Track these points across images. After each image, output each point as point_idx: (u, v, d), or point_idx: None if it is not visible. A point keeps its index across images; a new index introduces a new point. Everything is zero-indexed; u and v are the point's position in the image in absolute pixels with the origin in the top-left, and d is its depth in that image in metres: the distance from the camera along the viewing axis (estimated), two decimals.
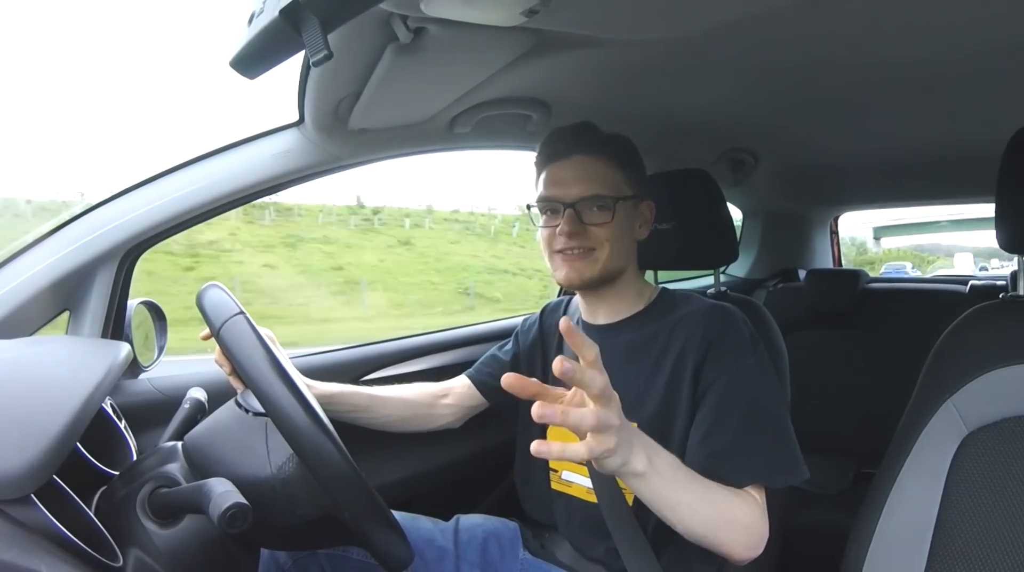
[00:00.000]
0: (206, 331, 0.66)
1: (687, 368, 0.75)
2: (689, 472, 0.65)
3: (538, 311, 1.01)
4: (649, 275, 1.13)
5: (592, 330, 0.87)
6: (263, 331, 0.80)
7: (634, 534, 0.76)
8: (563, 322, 0.49)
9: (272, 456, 0.61)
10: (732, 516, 0.66)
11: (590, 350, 0.50)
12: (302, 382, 0.66)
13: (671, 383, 0.76)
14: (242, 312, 0.61)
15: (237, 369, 0.58)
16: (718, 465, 0.69)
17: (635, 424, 0.76)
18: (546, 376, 0.92)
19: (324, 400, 0.86)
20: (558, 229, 0.78)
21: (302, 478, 0.60)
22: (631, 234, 0.82)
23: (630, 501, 0.77)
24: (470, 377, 1.00)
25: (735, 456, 0.70)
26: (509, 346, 1.01)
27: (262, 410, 0.59)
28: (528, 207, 0.84)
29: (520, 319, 1.07)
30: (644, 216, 0.84)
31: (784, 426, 0.73)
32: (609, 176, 0.79)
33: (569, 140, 0.80)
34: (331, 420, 0.69)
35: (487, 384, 0.98)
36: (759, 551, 0.67)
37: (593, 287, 0.83)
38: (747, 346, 0.75)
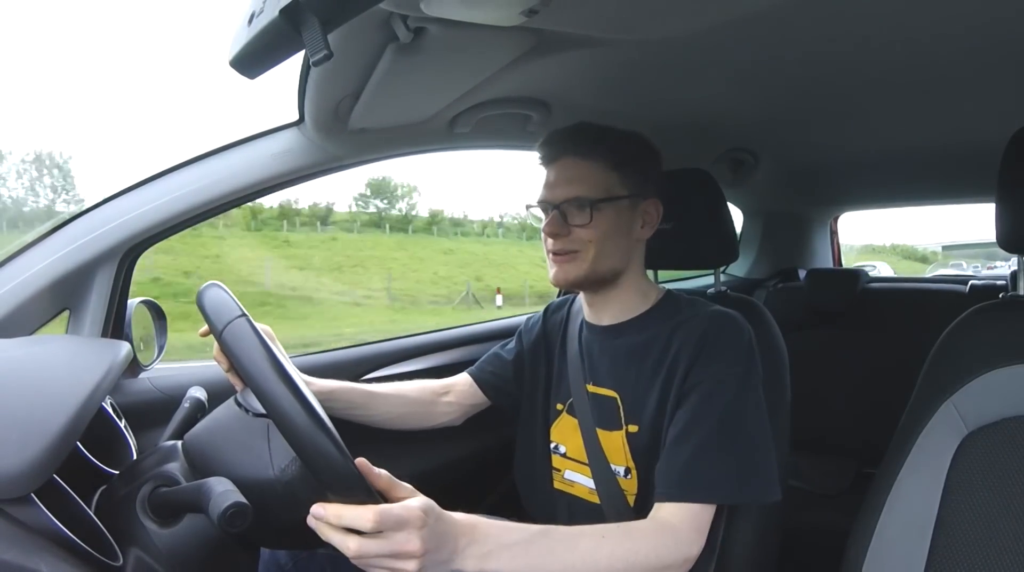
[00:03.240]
0: (205, 328, 0.66)
1: (679, 369, 0.75)
2: (548, 545, 0.61)
3: (541, 310, 1.01)
4: (649, 275, 1.13)
5: (595, 331, 0.87)
6: (262, 328, 0.80)
7: None
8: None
9: (274, 458, 0.61)
10: (627, 562, 0.62)
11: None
12: (304, 384, 0.66)
13: (665, 385, 0.76)
14: (244, 314, 0.61)
15: (240, 372, 0.57)
16: (675, 475, 0.69)
17: (636, 427, 0.77)
18: (549, 375, 0.92)
19: (322, 397, 0.86)
20: (543, 229, 0.80)
21: (305, 480, 0.60)
22: (626, 234, 0.81)
23: (631, 502, 0.77)
24: (472, 375, 1.00)
25: (696, 465, 0.69)
26: (512, 345, 1.00)
27: (263, 411, 0.59)
28: (528, 207, 0.85)
29: (522, 318, 1.07)
30: (648, 215, 0.83)
31: (756, 443, 0.71)
32: (596, 177, 0.78)
33: (558, 143, 0.81)
34: (329, 417, 0.69)
35: (489, 383, 0.98)
36: (689, 566, 0.67)
37: (586, 288, 0.84)
38: (740, 355, 0.75)
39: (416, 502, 0.53)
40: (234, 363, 0.58)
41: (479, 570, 0.56)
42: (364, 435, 0.92)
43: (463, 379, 1.01)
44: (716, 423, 0.70)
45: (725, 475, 0.69)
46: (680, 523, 0.67)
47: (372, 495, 0.60)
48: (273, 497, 0.60)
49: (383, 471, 0.55)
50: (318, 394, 0.84)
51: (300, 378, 0.70)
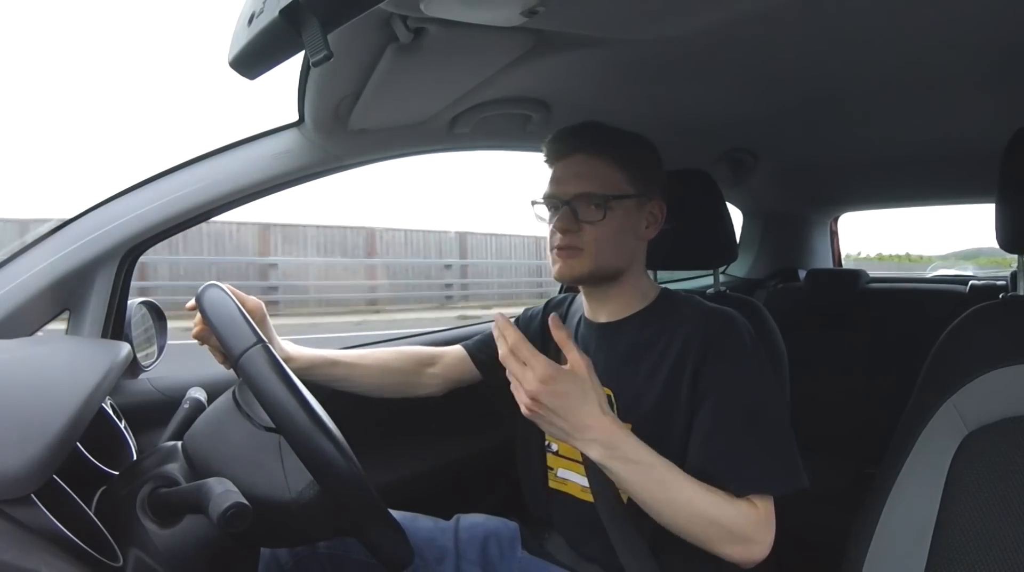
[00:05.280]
0: (191, 302, 0.68)
1: (685, 371, 0.75)
2: (664, 476, 0.66)
3: (541, 305, 1.01)
4: (648, 275, 1.13)
5: (592, 328, 0.87)
6: (253, 301, 0.80)
7: (630, 532, 0.76)
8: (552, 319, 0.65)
9: (290, 479, 0.61)
10: (712, 517, 0.66)
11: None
12: (319, 407, 0.66)
13: (669, 385, 0.76)
14: (261, 340, 0.60)
15: (264, 405, 0.57)
16: (717, 473, 0.69)
17: (630, 425, 0.77)
18: None
19: (303, 371, 0.85)
20: (553, 225, 0.80)
21: (323, 506, 0.60)
22: (632, 233, 0.82)
23: (625, 499, 0.77)
24: (468, 350, 1.00)
25: (733, 464, 0.70)
26: None
27: (271, 424, 0.59)
28: (533, 203, 0.85)
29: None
30: (652, 216, 0.84)
31: (783, 432, 0.72)
32: (608, 175, 0.79)
33: (571, 139, 0.81)
34: (309, 386, 0.70)
35: (484, 362, 0.99)
36: (758, 558, 0.67)
37: (589, 284, 0.84)
38: (747, 351, 0.75)
39: (549, 368, 0.62)
40: (255, 393, 0.58)
41: (600, 461, 0.64)
42: (366, 438, 0.92)
43: (454, 351, 1.00)
44: (740, 423, 0.71)
45: (759, 470, 0.70)
46: (762, 508, 0.69)
47: (389, 521, 0.62)
48: (289, 518, 0.61)
49: (563, 332, 0.65)
50: (299, 371, 0.83)
51: (315, 402, 0.71)
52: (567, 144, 0.81)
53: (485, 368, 0.99)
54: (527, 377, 0.62)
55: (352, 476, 0.57)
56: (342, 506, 0.58)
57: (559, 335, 0.65)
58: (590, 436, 0.63)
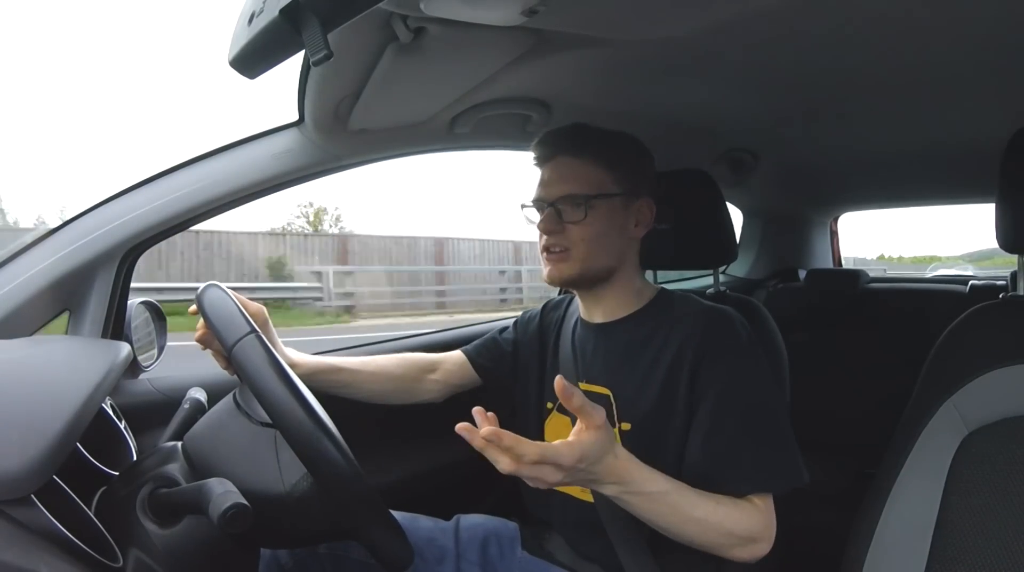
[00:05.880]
0: (194, 307, 0.68)
1: (683, 370, 0.75)
2: (676, 500, 0.65)
3: (539, 307, 1.01)
4: (649, 275, 1.13)
5: (589, 329, 0.87)
6: (255, 305, 0.81)
7: (629, 532, 0.76)
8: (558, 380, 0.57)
9: (284, 473, 0.61)
10: (725, 528, 0.66)
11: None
12: (316, 402, 0.66)
13: (667, 385, 0.76)
14: (253, 330, 0.61)
15: (254, 393, 0.57)
16: (717, 473, 0.70)
17: (629, 425, 0.77)
18: (541, 373, 0.93)
19: (306, 378, 0.85)
20: (539, 226, 0.82)
21: (316, 495, 0.60)
22: (619, 232, 0.82)
23: None
24: (468, 356, 1.00)
25: (734, 463, 0.70)
26: (510, 334, 1.01)
27: (268, 420, 0.59)
28: (522, 207, 0.86)
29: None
30: (641, 214, 0.84)
31: (782, 429, 0.73)
32: (591, 176, 0.80)
33: (553, 143, 0.82)
34: (313, 393, 0.70)
35: (485, 367, 0.99)
36: (763, 553, 0.68)
37: (580, 286, 0.85)
38: (744, 349, 0.76)
39: (575, 453, 0.57)
40: (245, 382, 0.58)
41: (614, 496, 0.63)
42: (365, 437, 0.92)
43: (455, 357, 1.00)
44: (739, 421, 0.71)
45: (760, 468, 0.70)
46: (764, 506, 0.70)
47: (389, 521, 0.61)
48: (284, 513, 0.61)
49: (578, 391, 0.58)
50: (303, 376, 0.83)
51: (308, 393, 0.70)
52: (550, 147, 0.83)
53: (485, 372, 0.99)
54: (550, 474, 0.57)
55: (346, 465, 0.57)
56: (337, 498, 0.58)
57: (572, 405, 0.58)
58: (609, 480, 0.62)
